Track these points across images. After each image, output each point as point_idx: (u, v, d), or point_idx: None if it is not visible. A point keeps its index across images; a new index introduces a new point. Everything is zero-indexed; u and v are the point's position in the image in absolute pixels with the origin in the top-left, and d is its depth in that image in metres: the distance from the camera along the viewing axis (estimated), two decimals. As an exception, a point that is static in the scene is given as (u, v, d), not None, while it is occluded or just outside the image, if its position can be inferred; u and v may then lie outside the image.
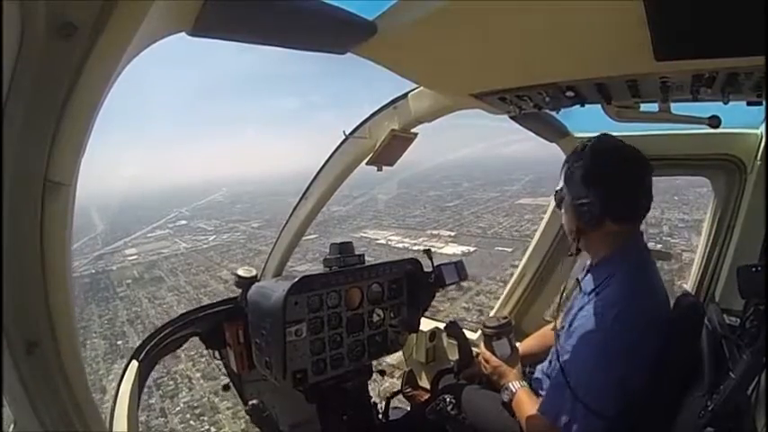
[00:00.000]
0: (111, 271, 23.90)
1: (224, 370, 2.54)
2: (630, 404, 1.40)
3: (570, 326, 1.54)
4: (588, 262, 1.71)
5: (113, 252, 27.63)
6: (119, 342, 16.06)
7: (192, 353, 13.52)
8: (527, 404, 1.60)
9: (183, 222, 35.74)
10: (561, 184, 1.63)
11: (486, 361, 1.86)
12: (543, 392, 1.69)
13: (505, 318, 1.96)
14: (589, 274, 1.63)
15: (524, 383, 1.71)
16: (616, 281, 1.47)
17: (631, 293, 1.45)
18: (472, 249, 19.29)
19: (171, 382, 13.44)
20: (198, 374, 13.66)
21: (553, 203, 1.76)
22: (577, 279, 1.71)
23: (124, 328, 17.35)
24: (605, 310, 1.42)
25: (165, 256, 26.63)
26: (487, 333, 1.90)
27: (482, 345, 1.94)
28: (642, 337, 1.40)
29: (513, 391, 1.67)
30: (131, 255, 27.12)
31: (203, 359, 12.97)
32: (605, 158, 1.51)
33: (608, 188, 1.47)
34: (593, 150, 1.51)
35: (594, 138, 1.58)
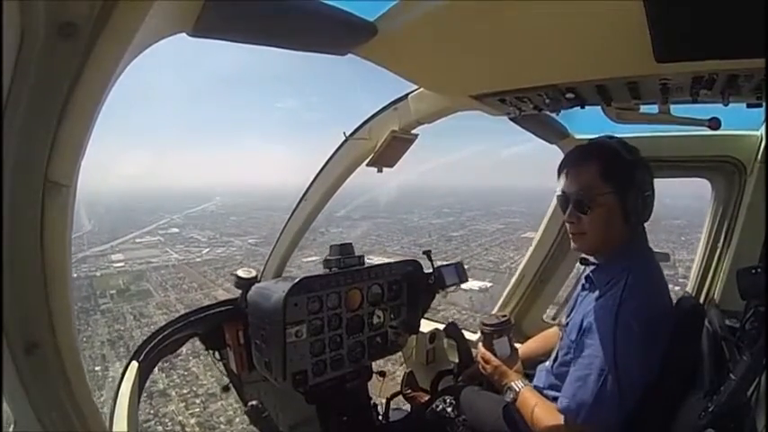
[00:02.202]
0: (94, 277, 21.52)
1: (224, 372, 2.53)
2: (639, 401, 1.38)
3: (583, 321, 1.50)
4: (591, 259, 1.68)
5: (98, 256, 25.32)
6: (97, 368, 13.58)
7: (185, 391, 11.84)
8: (534, 403, 1.56)
9: (175, 230, 33.62)
10: (599, 183, 1.49)
11: (486, 361, 1.82)
12: (547, 391, 1.66)
13: (505, 316, 1.91)
14: (597, 272, 1.61)
15: (527, 382, 1.68)
16: (630, 276, 1.45)
17: (647, 288, 1.45)
18: (489, 285, 18.36)
19: (159, 428, 11.05)
20: (192, 421, 11.31)
21: (552, 206, 1.73)
22: (587, 276, 1.66)
23: (104, 351, 14.85)
24: (624, 301, 1.40)
25: (155, 267, 24.32)
26: (486, 332, 1.85)
27: (480, 344, 1.90)
28: (656, 330, 1.39)
29: (517, 390, 1.63)
30: (117, 261, 24.84)
31: (198, 400, 11.48)
32: (642, 160, 1.54)
33: (651, 188, 1.53)
34: (635, 151, 1.53)
35: (617, 139, 1.58)
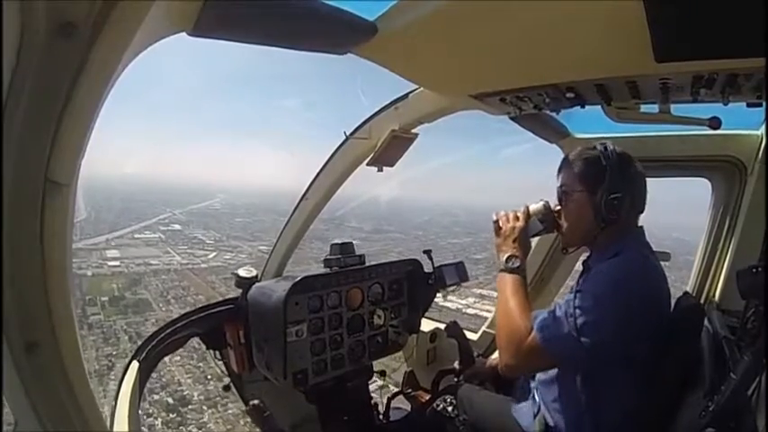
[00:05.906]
0: (84, 277, 17.98)
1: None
2: (638, 398, 1.40)
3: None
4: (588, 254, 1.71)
5: (91, 249, 21.64)
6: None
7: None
8: (518, 295, 1.57)
9: (177, 227, 30.01)
10: (575, 183, 1.60)
11: (514, 218, 1.75)
12: (546, 392, 1.65)
13: (557, 214, 1.77)
14: (591, 257, 1.66)
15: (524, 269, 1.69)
16: (624, 255, 1.49)
17: (640, 266, 1.48)
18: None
19: None
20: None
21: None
22: (584, 261, 1.71)
23: (90, 384, 10.70)
24: (616, 269, 1.45)
25: (155, 270, 20.84)
26: (541, 202, 1.76)
27: (522, 208, 1.79)
28: (643, 306, 1.40)
29: (518, 262, 1.65)
30: (113, 259, 21.35)
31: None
32: (629, 160, 1.58)
33: (636, 185, 1.57)
34: (621, 154, 1.57)
35: (605, 144, 1.59)
